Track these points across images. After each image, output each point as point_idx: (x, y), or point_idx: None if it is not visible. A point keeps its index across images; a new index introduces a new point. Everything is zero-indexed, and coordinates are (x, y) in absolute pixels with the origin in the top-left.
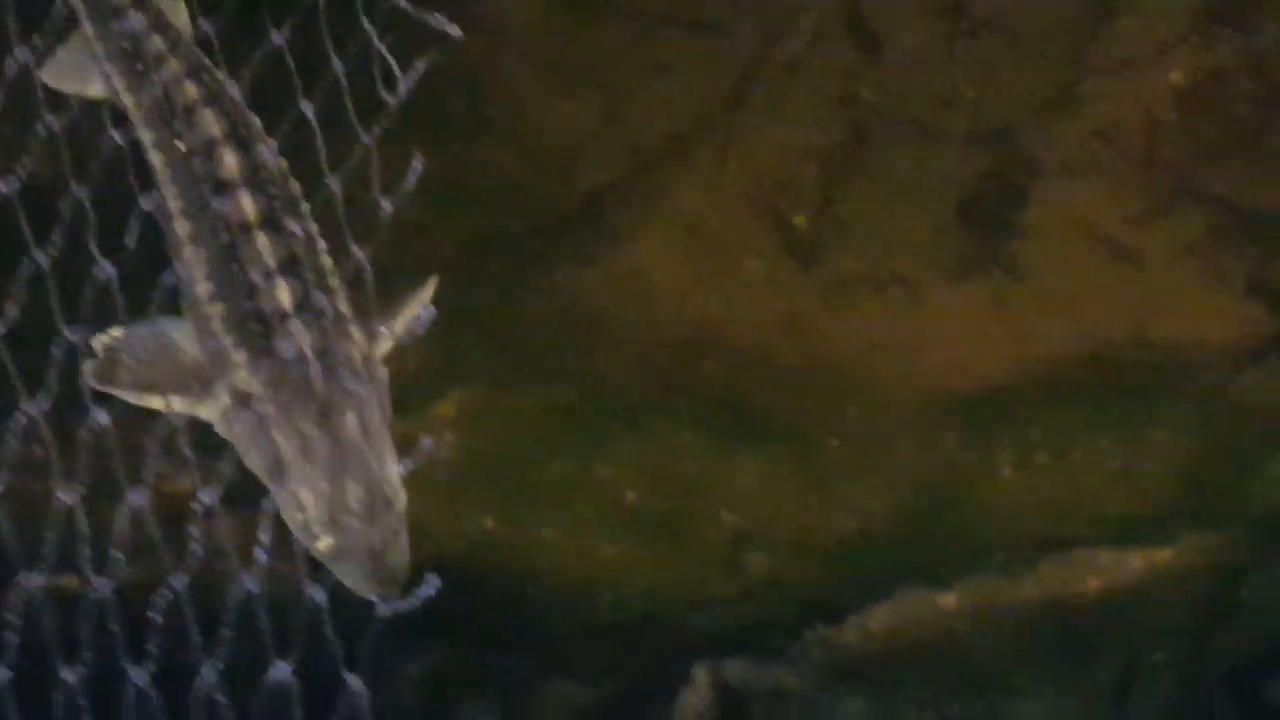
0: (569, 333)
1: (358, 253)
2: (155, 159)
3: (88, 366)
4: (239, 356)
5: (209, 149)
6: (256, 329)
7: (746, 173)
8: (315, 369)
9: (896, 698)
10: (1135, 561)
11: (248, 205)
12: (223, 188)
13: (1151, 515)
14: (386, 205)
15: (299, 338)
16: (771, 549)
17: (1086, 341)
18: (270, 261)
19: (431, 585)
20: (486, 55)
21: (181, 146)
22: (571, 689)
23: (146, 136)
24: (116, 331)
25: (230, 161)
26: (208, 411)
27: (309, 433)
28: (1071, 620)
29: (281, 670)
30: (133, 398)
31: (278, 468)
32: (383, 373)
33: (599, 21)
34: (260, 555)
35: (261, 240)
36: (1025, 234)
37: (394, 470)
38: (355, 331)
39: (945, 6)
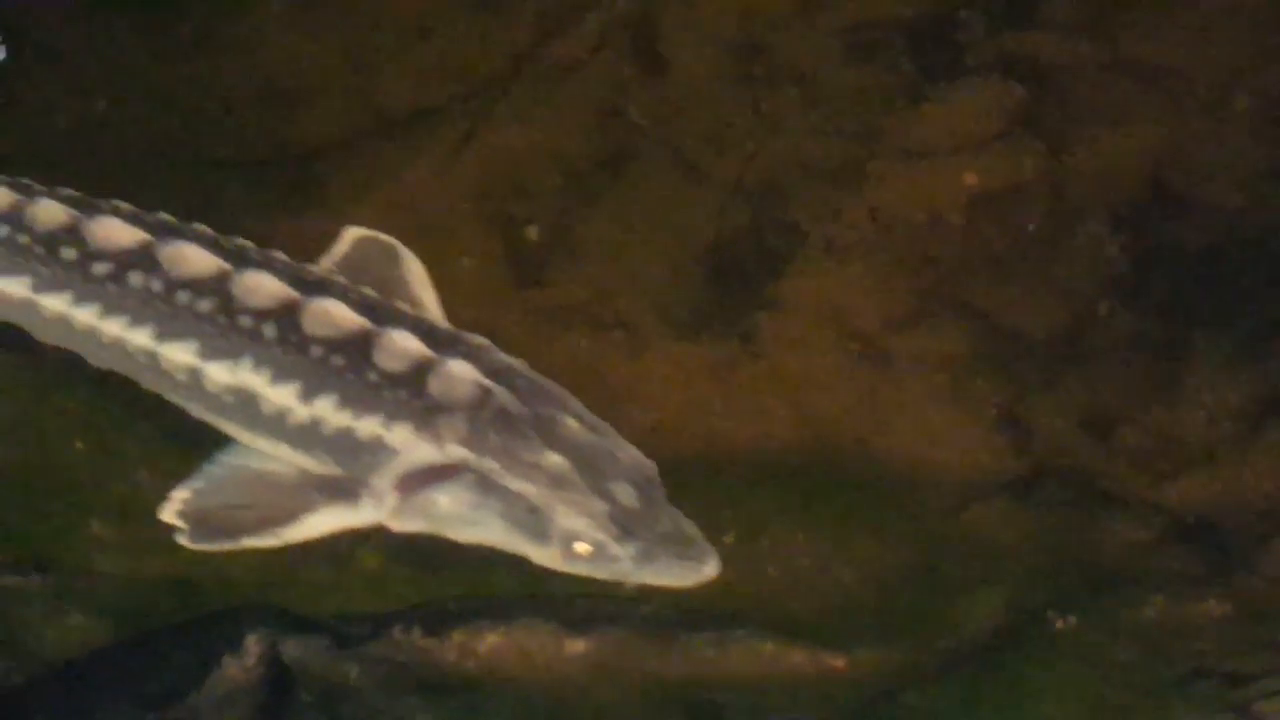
0: None
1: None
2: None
3: (181, 539)
4: (399, 433)
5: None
6: (402, 394)
7: (486, 166)
8: (501, 392)
9: None
10: (798, 658)
11: (273, 285)
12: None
13: (832, 620)
14: None
15: (462, 373)
16: (393, 552)
17: (809, 434)
18: (355, 320)
19: None
20: None
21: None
22: (93, 624)
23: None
24: (183, 493)
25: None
26: (366, 516)
27: (546, 460)
28: (710, 699)
29: None
30: (261, 541)
31: (534, 517)
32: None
33: None
34: None
35: (323, 307)
36: (772, 306)
37: (626, 442)
38: (463, 333)
39: (744, 45)
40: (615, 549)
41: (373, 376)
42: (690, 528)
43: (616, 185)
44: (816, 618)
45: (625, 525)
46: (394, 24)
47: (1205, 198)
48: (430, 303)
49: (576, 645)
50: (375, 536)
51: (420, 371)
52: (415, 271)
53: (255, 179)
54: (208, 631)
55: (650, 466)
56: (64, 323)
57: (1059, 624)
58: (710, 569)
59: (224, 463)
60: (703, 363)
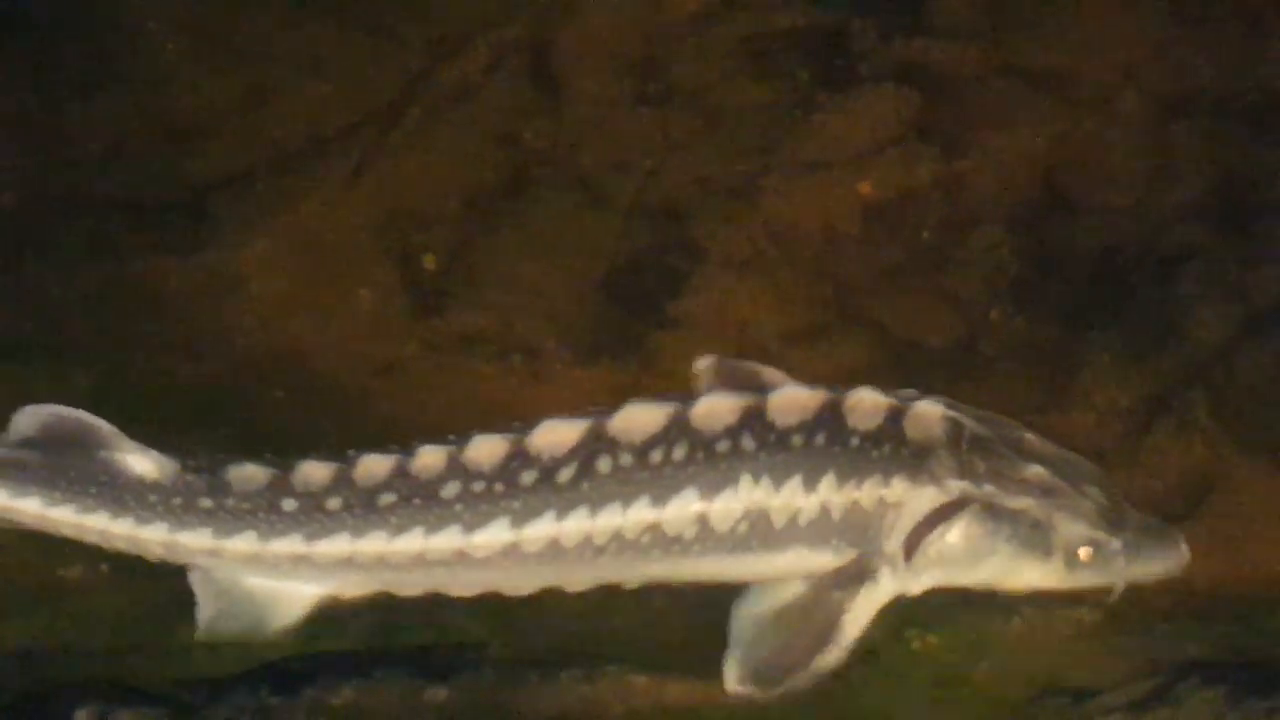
0: (129, 325)
1: None
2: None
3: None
4: (898, 487)
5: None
6: (886, 449)
7: (383, 196)
8: (967, 421)
9: None
10: (674, 690)
11: (727, 402)
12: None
13: (706, 648)
14: None
15: (931, 410)
16: None
17: None
18: (817, 396)
19: None
20: (125, 9)
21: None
22: None
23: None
24: (732, 664)
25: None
26: (887, 587)
27: (1031, 474)
28: None
29: None
30: (829, 662)
31: (1037, 531)
32: None
33: None
34: None
35: (783, 397)
36: (673, 325)
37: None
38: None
39: (640, 63)
40: (1112, 544)
41: (855, 441)
42: (1149, 516)
43: (515, 210)
44: (689, 646)
45: (1112, 521)
46: (286, 55)
47: (1096, 199)
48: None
49: (437, 693)
50: None
51: (894, 420)
52: (769, 369)
53: (146, 220)
54: (42, 708)
55: (1092, 464)
56: (552, 548)
57: (916, 644)
58: (1187, 550)
59: (741, 616)
60: (605, 386)
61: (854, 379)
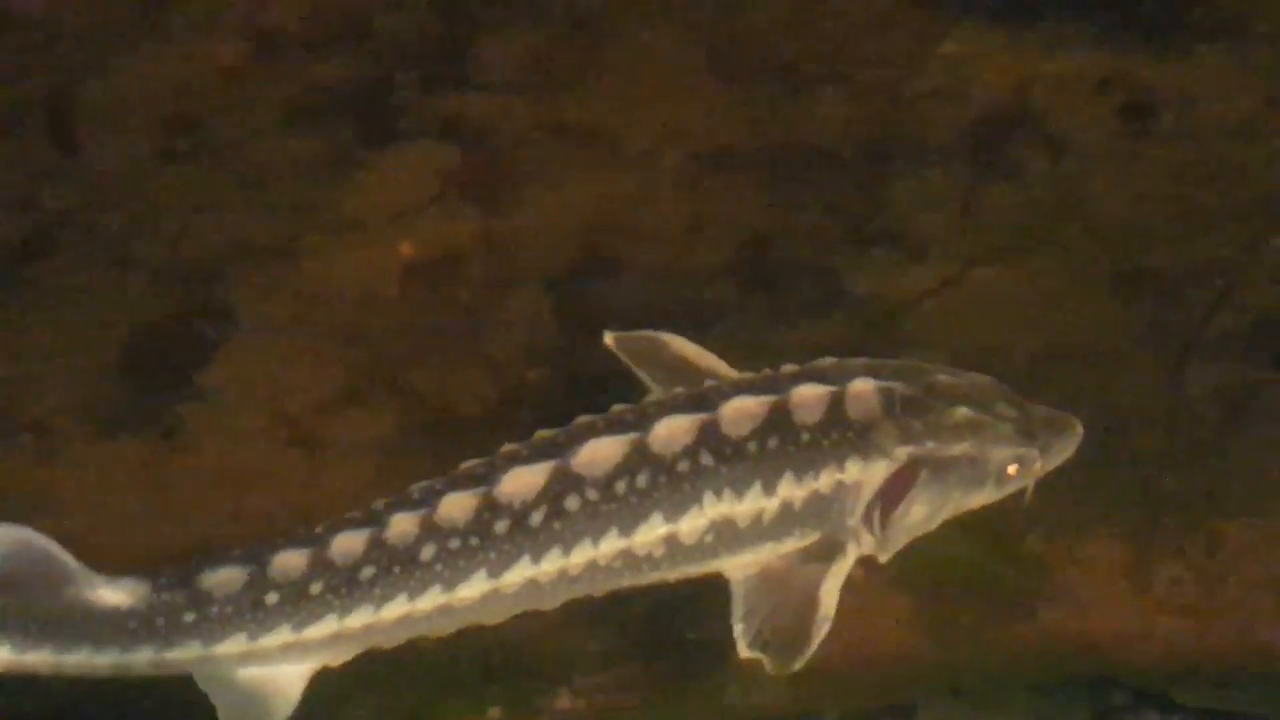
0: None
1: None
2: None
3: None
4: (853, 469)
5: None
6: (834, 435)
7: None
8: (894, 385)
9: None
10: None
11: (682, 422)
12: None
13: None
14: None
15: (864, 388)
16: None
17: (248, 531)
18: (761, 401)
19: None
20: None
21: None
22: None
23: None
24: (746, 649)
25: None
26: (853, 557)
27: (958, 417)
28: None
29: None
30: (819, 635)
31: (975, 467)
32: None
33: None
34: None
35: (731, 409)
36: (200, 396)
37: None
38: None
39: (172, 119)
40: (1031, 454)
41: (806, 437)
42: (1043, 407)
43: (31, 277)
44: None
45: (1026, 432)
46: None
47: (636, 257)
48: (724, 364)
49: None
50: None
51: (835, 407)
52: (688, 346)
53: None
54: None
55: (988, 378)
56: (529, 587)
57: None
58: (1080, 426)
59: (737, 579)
60: (125, 463)
61: (385, 449)
